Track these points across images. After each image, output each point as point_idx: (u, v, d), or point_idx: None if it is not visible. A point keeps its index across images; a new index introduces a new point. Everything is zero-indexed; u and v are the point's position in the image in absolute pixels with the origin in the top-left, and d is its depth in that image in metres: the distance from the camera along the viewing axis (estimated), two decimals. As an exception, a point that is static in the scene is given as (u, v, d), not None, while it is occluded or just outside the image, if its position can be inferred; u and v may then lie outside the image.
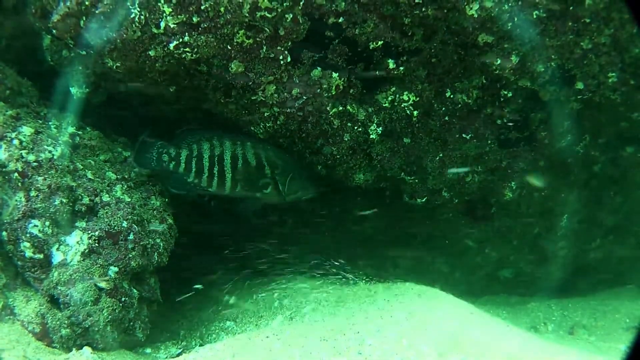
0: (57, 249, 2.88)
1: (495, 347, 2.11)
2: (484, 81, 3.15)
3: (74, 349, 2.75)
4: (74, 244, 2.87)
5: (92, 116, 3.42)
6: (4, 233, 2.90)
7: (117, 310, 2.81)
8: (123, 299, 2.85)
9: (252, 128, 3.29)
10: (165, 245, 3.09)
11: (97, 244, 2.87)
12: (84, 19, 2.90)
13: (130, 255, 2.89)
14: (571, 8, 2.89)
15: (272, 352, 2.43)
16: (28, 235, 2.86)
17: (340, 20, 2.89)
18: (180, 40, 2.86)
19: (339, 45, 2.97)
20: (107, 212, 2.96)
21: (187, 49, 2.88)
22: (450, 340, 2.18)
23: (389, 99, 3.15)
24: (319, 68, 3.00)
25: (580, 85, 3.12)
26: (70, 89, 3.38)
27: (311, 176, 3.57)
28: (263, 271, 3.93)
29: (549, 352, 2.17)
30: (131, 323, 2.89)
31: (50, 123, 3.18)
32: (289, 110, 3.10)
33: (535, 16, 2.90)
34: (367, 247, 4.03)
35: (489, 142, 3.32)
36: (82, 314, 2.76)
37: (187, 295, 3.34)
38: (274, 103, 3.08)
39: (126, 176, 3.22)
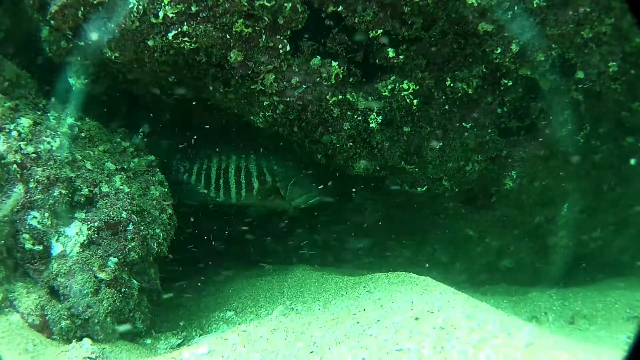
0: (57, 240, 2.86)
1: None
2: (484, 70, 3.14)
3: (73, 340, 2.74)
4: (73, 235, 2.86)
5: (92, 107, 3.41)
6: (3, 225, 2.89)
7: (117, 301, 2.80)
8: (123, 289, 2.83)
9: (252, 117, 3.28)
10: (165, 236, 3.08)
11: (96, 235, 2.86)
12: (82, 9, 2.88)
13: (130, 246, 2.88)
14: (572, -3, 2.88)
15: (273, 344, 2.42)
16: (27, 226, 2.84)
17: (340, 8, 2.88)
18: (179, 29, 2.85)
19: (339, 34, 2.96)
20: (106, 203, 2.94)
21: (186, 39, 2.87)
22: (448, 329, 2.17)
23: (389, 87, 3.14)
24: (319, 57, 2.99)
25: (580, 75, 3.10)
26: (69, 80, 3.37)
27: (316, 182, 3.73)
28: (263, 261, 3.94)
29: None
30: (131, 314, 2.88)
31: (49, 114, 3.15)
32: (288, 99, 3.09)
33: (535, 5, 2.89)
34: (366, 236, 4.03)
35: (489, 131, 3.31)
36: (82, 305, 2.76)
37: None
38: (274, 92, 3.07)
39: (125, 166, 3.20)
